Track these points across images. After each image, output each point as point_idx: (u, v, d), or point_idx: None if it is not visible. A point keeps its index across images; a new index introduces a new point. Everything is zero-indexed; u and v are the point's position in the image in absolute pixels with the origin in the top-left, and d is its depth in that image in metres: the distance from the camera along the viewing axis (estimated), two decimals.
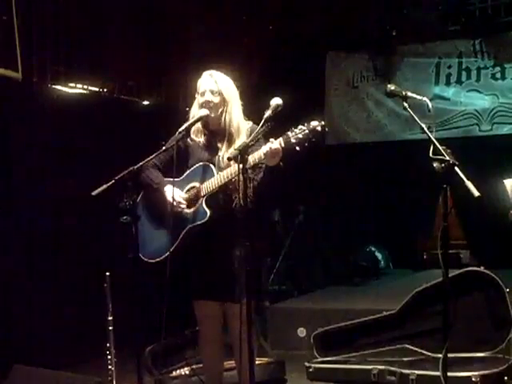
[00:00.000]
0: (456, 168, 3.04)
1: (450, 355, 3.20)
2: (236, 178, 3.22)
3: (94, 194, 3.21)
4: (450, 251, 3.27)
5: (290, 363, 4.97)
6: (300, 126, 3.12)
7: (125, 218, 3.21)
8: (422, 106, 3.38)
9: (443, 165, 3.06)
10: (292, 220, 7.36)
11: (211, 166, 3.40)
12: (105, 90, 6.34)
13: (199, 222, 3.35)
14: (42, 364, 4.13)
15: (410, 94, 3.36)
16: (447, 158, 3.06)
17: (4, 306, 5.08)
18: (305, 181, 7.67)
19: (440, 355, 3.21)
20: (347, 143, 8.38)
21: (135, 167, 3.27)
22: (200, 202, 3.38)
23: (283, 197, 6.93)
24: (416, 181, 7.45)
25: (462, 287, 4.52)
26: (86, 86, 6.12)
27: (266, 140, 3.18)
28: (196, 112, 3.48)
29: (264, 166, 3.26)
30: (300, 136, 3.09)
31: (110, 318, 3.70)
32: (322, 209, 8.13)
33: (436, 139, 3.13)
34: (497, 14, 7.38)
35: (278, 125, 3.15)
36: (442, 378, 3.21)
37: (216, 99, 3.43)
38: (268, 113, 3.09)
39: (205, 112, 3.42)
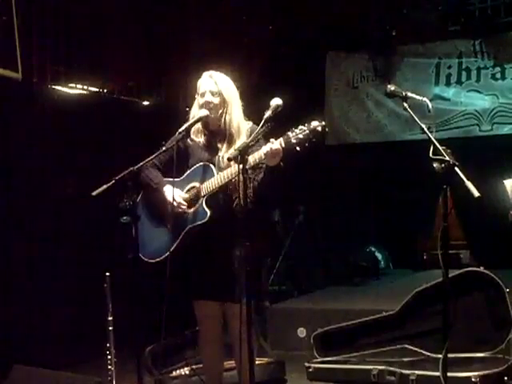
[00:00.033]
0: (456, 168, 3.04)
1: (449, 355, 3.20)
2: (236, 178, 3.22)
3: (94, 194, 3.21)
4: (450, 251, 3.27)
5: (289, 363, 4.97)
6: (300, 127, 3.12)
7: (125, 218, 3.21)
8: (422, 106, 3.38)
9: (443, 165, 3.06)
10: (292, 220, 7.36)
11: (211, 166, 3.40)
12: (105, 90, 6.35)
13: (199, 222, 3.35)
14: (42, 364, 4.13)
15: (410, 94, 3.36)
16: (447, 158, 3.06)
17: (4, 306, 5.08)
18: (305, 181, 7.67)
19: (440, 355, 3.21)
20: (347, 143, 8.39)
21: (135, 167, 3.27)
22: (200, 202, 3.38)
23: (283, 197, 6.94)
24: (416, 181, 7.44)
25: (461, 287, 4.52)
26: (85, 87, 6.13)
27: (266, 140, 3.18)
28: (196, 112, 3.48)
29: (264, 166, 3.26)
30: (300, 136, 3.09)
31: (110, 318, 3.70)
32: (321, 209, 8.13)
33: (436, 139, 3.13)
34: (497, 14, 7.38)
35: (278, 125, 3.15)
36: (441, 378, 3.21)
37: (216, 100, 3.43)
38: (268, 113, 3.09)
39: (205, 112, 3.43)
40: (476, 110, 7.73)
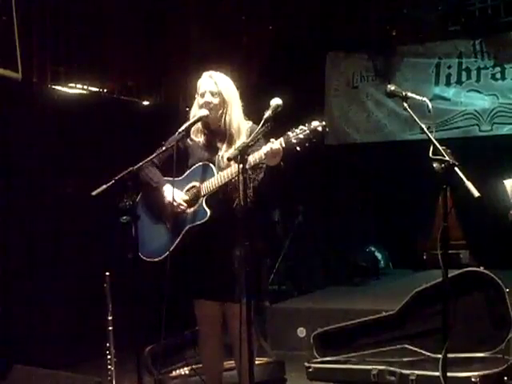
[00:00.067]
0: (456, 168, 3.04)
1: (449, 355, 3.20)
2: (236, 177, 3.22)
3: (93, 194, 3.22)
4: (450, 251, 3.28)
5: (289, 363, 4.97)
6: (301, 126, 3.12)
7: (125, 217, 3.21)
8: (421, 106, 3.38)
9: (443, 165, 3.06)
10: (292, 220, 7.36)
11: (211, 165, 3.41)
12: (105, 90, 6.34)
13: (199, 222, 3.35)
14: (42, 364, 4.13)
15: (410, 94, 3.36)
16: (447, 158, 3.06)
17: (4, 306, 5.08)
18: (305, 181, 7.67)
19: (440, 355, 3.21)
20: (347, 143, 8.39)
21: (135, 167, 3.27)
22: (200, 201, 3.38)
23: (283, 197, 6.93)
24: (416, 181, 7.44)
25: (461, 287, 4.52)
26: (85, 86, 6.12)
27: (266, 140, 3.18)
28: (196, 112, 3.48)
29: (264, 166, 3.26)
30: (301, 136, 3.09)
31: (110, 318, 3.70)
32: (321, 209, 8.13)
33: (436, 139, 3.13)
34: (497, 14, 7.38)
35: (278, 125, 3.15)
36: (441, 379, 3.21)
37: (216, 100, 3.43)
38: (268, 113, 3.09)
39: (204, 112, 3.43)
40: (476, 110, 7.73)
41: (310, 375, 4.75)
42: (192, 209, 3.41)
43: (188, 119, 3.49)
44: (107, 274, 3.69)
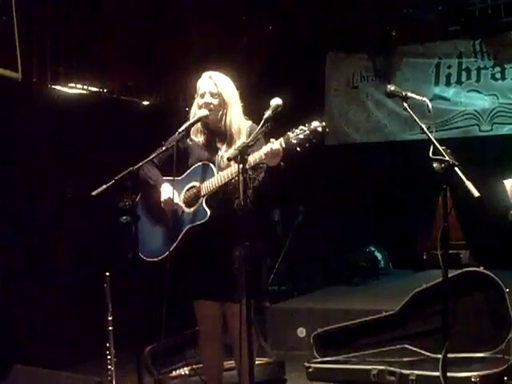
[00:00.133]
0: (456, 168, 3.04)
1: (449, 355, 3.20)
2: (236, 177, 3.22)
3: (93, 194, 3.22)
4: (450, 251, 3.28)
5: (289, 363, 4.97)
6: (301, 127, 3.12)
7: (125, 218, 3.21)
8: (421, 106, 3.38)
9: (443, 165, 3.06)
10: (292, 220, 7.36)
11: (211, 165, 3.40)
12: (105, 90, 6.34)
13: (199, 222, 3.35)
14: (42, 364, 4.13)
15: (409, 94, 3.36)
16: (447, 158, 3.06)
17: (4, 306, 5.08)
18: (305, 181, 7.67)
19: (440, 355, 3.22)
20: (347, 143, 8.39)
21: (135, 167, 3.27)
22: (200, 201, 3.38)
23: (283, 197, 6.93)
24: (416, 181, 7.45)
25: (461, 287, 4.52)
26: (85, 86, 6.13)
27: (267, 140, 3.18)
28: (196, 112, 3.48)
29: (265, 165, 3.26)
30: (301, 137, 3.09)
31: (110, 318, 3.70)
32: (322, 209, 8.13)
33: (436, 139, 3.13)
34: (497, 14, 7.37)
35: (278, 125, 3.15)
36: (441, 379, 3.22)
37: (216, 101, 3.43)
38: (268, 113, 3.08)
39: (204, 112, 3.43)
40: (476, 110, 7.73)
41: (310, 375, 4.76)
42: (192, 209, 3.40)
43: (188, 119, 3.49)
44: (107, 274, 3.69)
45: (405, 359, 4.62)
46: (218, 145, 3.49)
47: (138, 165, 3.30)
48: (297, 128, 3.13)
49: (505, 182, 4.20)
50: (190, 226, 3.38)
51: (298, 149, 3.10)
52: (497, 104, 7.61)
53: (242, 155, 2.97)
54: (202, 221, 3.34)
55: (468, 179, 3.00)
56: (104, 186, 3.22)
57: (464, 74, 7.79)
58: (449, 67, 7.87)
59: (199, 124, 3.51)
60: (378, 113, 8.21)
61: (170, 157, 3.41)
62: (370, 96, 8.25)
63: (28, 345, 5.06)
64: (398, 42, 7.97)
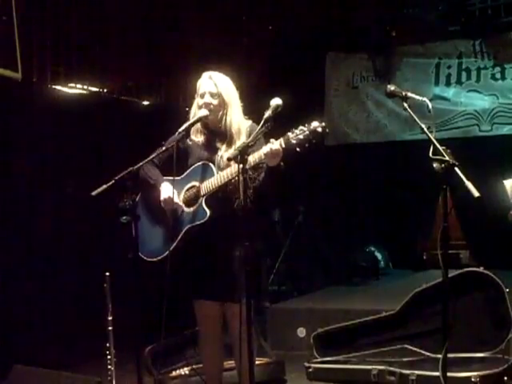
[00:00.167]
0: (456, 168, 3.04)
1: (449, 355, 3.20)
2: (236, 178, 3.22)
3: (93, 194, 3.21)
4: (450, 251, 3.27)
5: (289, 363, 4.97)
6: (300, 127, 3.12)
7: (125, 218, 3.21)
8: (421, 106, 3.38)
9: (443, 165, 3.06)
10: (292, 220, 7.36)
11: (211, 165, 3.40)
12: (105, 90, 6.34)
13: (199, 222, 3.35)
14: (42, 364, 4.13)
15: (409, 94, 3.36)
16: (447, 158, 3.06)
17: (4, 306, 5.08)
18: (305, 181, 7.67)
19: (440, 355, 3.21)
20: (347, 143, 8.39)
21: (135, 167, 3.27)
22: (200, 201, 3.37)
23: (283, 197, 6.93)
24: (416, 181, 7.45)
25: (461, 287, 4.52)
26: (85, 86, 6.13)
27: (267, 140, 3.18)
28: (196, 113, 3.48)
29: (265, 166, 3.26)
30: (300, 137, 3.09)
31: (110, 318, 3.70)
32: (322, 209, 8.13)
33: (436, 139, 3.13)
34: (497, 14, 7.37)
35: (278, 125, 3.15)
36: (441, 379, 3.21)
37: (215, 101, 3.43)
38: (268, 113, 3.08)
39: (204, 112, 3.42)
40: (476, 110, 7.73)
41: (310, 375, 4.76)
42: (192, 208, 3.40)
43: (188, 119, 3.48)
44: (107, 274, 3.69)
45: (405, 359, 4.62)
46: (218, 145, 3.49)
47: (138, 165, 3.30)
48: (297, 128, 3.12)
49: (505, 182, 4.20)
50: (189, 225, 3.38)
51: (298, 149, 3.10)
52: (497, 104, 7.61)
53: (242, 155, 2.97)
54: (202, 221, 3.34)
55: (468, 179, 3.00)
56: (104, 186, 3.22)
57: (464, 74, 7.79)
58: (449, 67, 7.87)
59: (199, 124, 3.51)
60: (377, 113, 8.21)
61: (170, 157, 3.41)
62: (370, 96, 8.25)
63: (28, 345, 5.06)
64: (398, 42, 7.97)
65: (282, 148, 3.11)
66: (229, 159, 3.11)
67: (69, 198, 5.60)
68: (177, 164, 3.36)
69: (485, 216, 6.97)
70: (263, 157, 3.16)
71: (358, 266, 7.55)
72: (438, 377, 3.24)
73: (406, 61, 8.02)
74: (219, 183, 3.31)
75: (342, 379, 4.65)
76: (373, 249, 8.16)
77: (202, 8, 6.91)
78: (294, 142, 3.09)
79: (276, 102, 3.11)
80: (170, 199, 3.38)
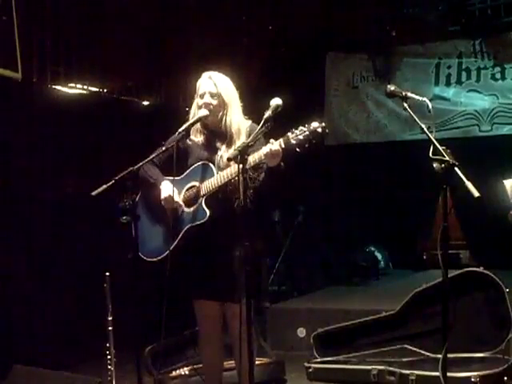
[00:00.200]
0: (456, 168, 3.04)
1: (449, 355, 3.20)
2: (236, 178, 3.22)
3: (93, 194, 3.21)
4: (450, 251, 3.27)
5: (289, 363, 4.98)
6: (300, 127, 3.12)
7: (125, 217, 3.21)
8: (421, 106, 3.38)
9: (443, 165, 3.05)
10: (292, 220, 7.36)
11: (211, 165, 3.40)
12: (105, 90, 6.34)
13: (198, 222, 3.35)
14: (42, 364, 4.13)
15: (409, 94, 3.36)
16: (447, 158, 3.06)
17: (4, 306, 5.08)
18: (305, 181, 7.67)
19: (440, 355, 3.21)
20: (347, 143, 8.39)
21: (135, 167, 3.27)
22: (200, 201, 3.37)
23: (283, 197, 6.93)
24: (416, 181, 7.45)
25: (461, 288, 4.52)
26: (85, 86, 6.13)
27: (267, 140, 3.18)
28: (195, 113, 3.48)
29: (265, 166, 3.26)
30: (300, 137, 3.09)
31: (110, 318, 3.70)
32: (322, 209, 8.13)
33: (436, 139, 3.13)
34: (497, 14, 7.38)
35: (278, 125, 3.15)
36: (441, 379, 3.21)
37: (215, 101, 3.43)
38: (268, 113, 3.08)
39: (204, 112, 3.42)
40: (476, 111, 7.73)
41: (310, 375, 4.76)
42: (191, 208, 3.40)
43: (188, 119, 3.48)
44: (107, 274, 3.69)
45: (405, 359, 4.62)
46: (218, 145, 3.49)
47: (138, 165, 3.30)
48: (296, 128, 3.12)
49: (505, 182, 4.19)
50: (189, 225, 3.38)
51: (298, 149, 3.10)
52: (497, 104, 7.62)
53: (241, 155, 2.97)
54: (202, 221, 3.34)
55: (468, 179, 3.00)
56: (104, 186, 3.22)
57: (464, 74, 7.79)
58: (449, 67, 7.87)
59: (199, 124, 3.51)
60: (377, 113, 8.21)
61: (170, 157, 3.41)
62: (370, 96, 8.26)
63: (28, 345, 5.06)
64: (398, 42, 7.97)
65: (282, 148, 3.11)
66: (229, 159, 3.11)
67: (69, 198, 5.59)
68: (177, 164, 3.36)
69: (485, 216, 6.97)
70: (263, 157, 3.16)
71: (358, 266, 7.55)
72: (438, 377, 3.24)
73: (405, 61, 8.03)
74: (219, 183, 3.31)
75: (342, 379, 4.65)
76: (373, 249, 8.16)
77: (202, 8, 6.91)
78: (294, 142, 3.09)
79: (276, 102, 3.11)
80: (171, 198, 3.38)
